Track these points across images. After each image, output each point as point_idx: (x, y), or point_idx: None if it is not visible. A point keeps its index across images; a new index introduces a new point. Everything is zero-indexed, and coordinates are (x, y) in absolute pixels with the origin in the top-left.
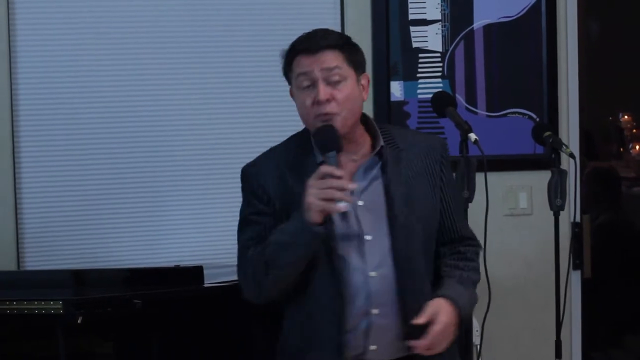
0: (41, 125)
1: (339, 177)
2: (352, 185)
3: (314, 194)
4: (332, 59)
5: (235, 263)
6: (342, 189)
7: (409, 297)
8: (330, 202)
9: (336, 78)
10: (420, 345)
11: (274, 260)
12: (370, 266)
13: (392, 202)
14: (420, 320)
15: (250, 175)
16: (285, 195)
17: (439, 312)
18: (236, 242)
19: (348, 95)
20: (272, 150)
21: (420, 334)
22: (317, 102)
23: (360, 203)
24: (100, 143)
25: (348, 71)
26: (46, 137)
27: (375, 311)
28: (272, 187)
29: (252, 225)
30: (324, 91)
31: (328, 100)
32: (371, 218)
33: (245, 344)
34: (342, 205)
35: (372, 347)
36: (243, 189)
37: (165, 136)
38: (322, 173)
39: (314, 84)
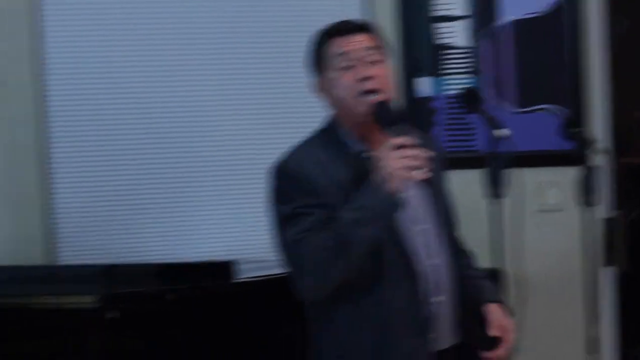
0: (72, 120)
1: (412, 147)
2: (427, 153)
3: (395, 164)
4: (369, 39)
5: (267, 258)
6: (418, 157)
7: (458, 285)
8: (410, 170)
9: (375, 57)
10: (500, 355)
11: (349, 241)
12: (427, 255)
13: (431, 193)
14: (494, 331)
15: (292, 170)
16: (335, 188)
17: (503, 318)
18: (269, 236)
19: (387, 75)
20: (299, 148)
21: (494, 344)
22: (360, 80)
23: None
24: (131, 137)
25: (382, 55)
26: (77, 132)
27: (435, 299)
28: (319, 180)
29: (302, 218)
30: (367, 68)
31: (371, 77)
32: (416, 208)
33: (276, 340)
34: (420, 173)
35: (433, 334)
36: (279, 185)
37: (197, 130)
38: (395, 144)
39: (354, 64)
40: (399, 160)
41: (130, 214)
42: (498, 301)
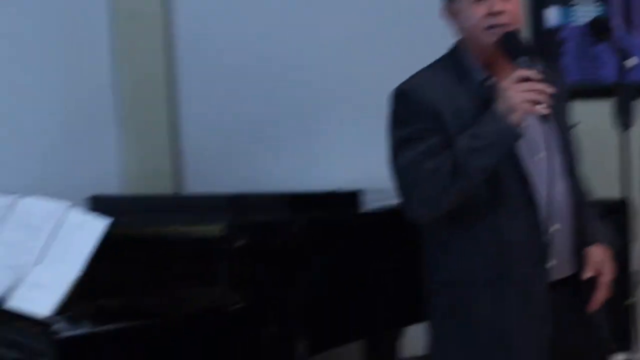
0: (199, 52)
1: (537, 81)
2: (550, 89)
3: (519, 96)
4: None
5: (392, 187)
6: (543, 92)
7: (580, 214)
8: (533, 104)
9: None
10: (597, 300)
11: (464, 168)
12: (547, 183)
13: (552, 124)
14: (589, 273)
15: (414, 94)
16: (455, 113)
17: (602, 261)
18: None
19: (517, 10)
20: (422, 72)
21: (592, 288)
22: (491, 14)
23: None
24: (256, 68)
25: None
26: (205, 64)
27: (554, 227)
28: (439, 104)
29: (418, 142)
30: (499, 2)
31: (502, 12)
32: (535, 138)
33: (403, 269)
34: (542, 107)
35: (551, 263)
36: (399, 109)
37: (321, 59)
38: (520, 76)
39: None
40: (523, 93)
41: (256, 145)
42: (603, 243)
